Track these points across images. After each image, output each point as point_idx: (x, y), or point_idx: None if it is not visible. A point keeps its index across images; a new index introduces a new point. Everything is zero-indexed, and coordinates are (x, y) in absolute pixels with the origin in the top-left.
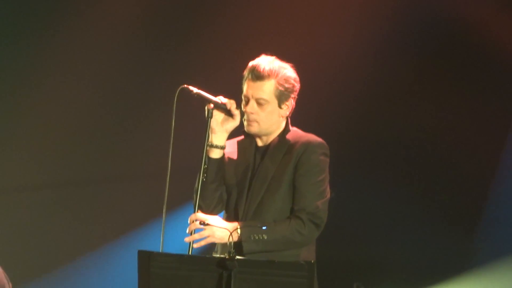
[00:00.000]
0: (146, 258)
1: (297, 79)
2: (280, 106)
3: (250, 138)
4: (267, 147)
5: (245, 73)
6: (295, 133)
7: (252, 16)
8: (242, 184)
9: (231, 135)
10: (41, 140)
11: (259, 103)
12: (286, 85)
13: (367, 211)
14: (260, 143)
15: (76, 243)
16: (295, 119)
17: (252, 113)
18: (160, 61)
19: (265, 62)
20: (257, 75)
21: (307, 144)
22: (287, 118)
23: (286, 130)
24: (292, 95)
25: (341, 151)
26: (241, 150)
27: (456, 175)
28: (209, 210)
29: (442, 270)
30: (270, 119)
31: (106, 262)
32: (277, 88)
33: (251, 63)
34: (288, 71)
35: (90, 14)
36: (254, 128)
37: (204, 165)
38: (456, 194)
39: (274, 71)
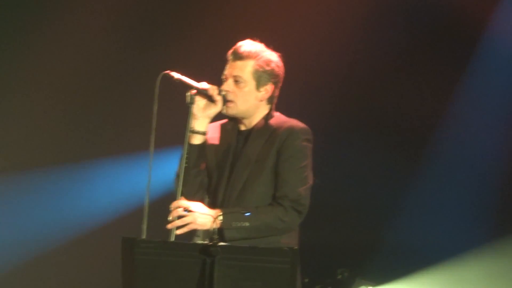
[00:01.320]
0: (129, 244)
1: (280, 65)
2: (257, 89)
3: (234, 122)
4: (249, 131)
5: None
6: (278, 118)
7: (236, 2)
8: (223, 167)
9: (213, 121)
10: (26, 121)
11: (236, 81)
12: (266, 68)
13: (350, 196)
14: (242, 127)
15: (55, 229)
16: (278, 102)
17: (228, 91)
18: (144, 47)
19: (247, 44)
20: (237, 55)
21: (290, 130)
22: (271, 105)
23: (269, 115)
24: (273, 80)
25: (323, 136)
26: (223, 133)
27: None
28: (191, 196)
29: (427, 256)
30: (246, 100)
31: (89, 250)
32: (255, 70)
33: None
34: (269, 54)
35: None
36: (231, 110)
37: (185, 151)
38: (450, 181)
39: (254, 52)
